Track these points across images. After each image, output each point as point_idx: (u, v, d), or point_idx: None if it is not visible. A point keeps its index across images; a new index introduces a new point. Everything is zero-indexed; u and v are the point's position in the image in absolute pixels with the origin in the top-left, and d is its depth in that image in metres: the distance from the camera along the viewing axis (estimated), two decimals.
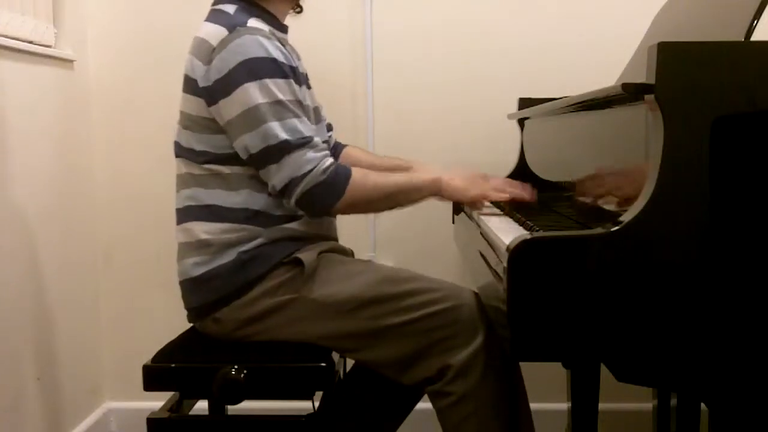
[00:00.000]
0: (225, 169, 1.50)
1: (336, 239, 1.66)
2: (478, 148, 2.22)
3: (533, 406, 1.58)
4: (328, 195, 1.45)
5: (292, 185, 1.44)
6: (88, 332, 2.24)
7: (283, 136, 1.43)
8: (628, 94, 1.02)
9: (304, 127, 1.46)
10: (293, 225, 1.52)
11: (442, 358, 1.41)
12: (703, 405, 1.58)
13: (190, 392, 1.53)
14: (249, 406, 1.48)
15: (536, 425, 1.57)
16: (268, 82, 1.44)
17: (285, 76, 1.46)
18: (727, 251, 0.97)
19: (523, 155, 1.95)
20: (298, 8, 1.68)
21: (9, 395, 1.80)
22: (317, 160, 1.44)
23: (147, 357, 1.51)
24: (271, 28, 1.53)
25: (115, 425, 2.32)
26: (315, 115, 1.62)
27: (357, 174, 1.48)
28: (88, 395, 2.24)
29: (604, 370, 1.08)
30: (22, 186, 1.86)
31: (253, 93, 1.43)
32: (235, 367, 1.42)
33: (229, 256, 1.49)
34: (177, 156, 1.57)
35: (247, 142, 1.45)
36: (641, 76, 1.00)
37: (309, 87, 1.67)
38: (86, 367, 2.22)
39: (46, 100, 2.00)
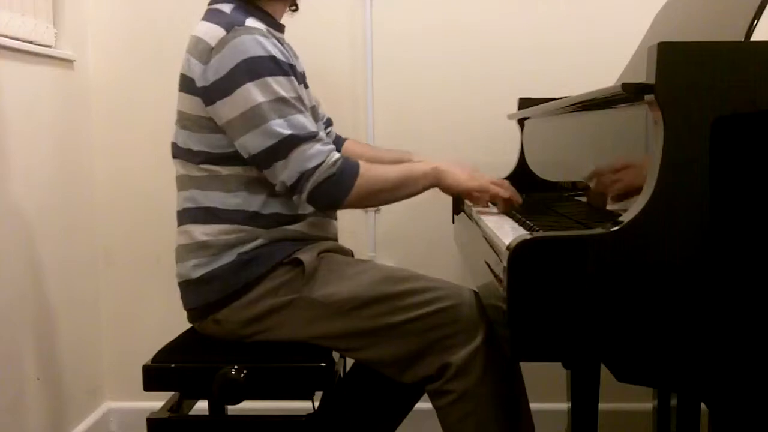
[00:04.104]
0: (222, 170, 1.50)
1: (336, 239, 1.66)
2: (478, 148, 2.22)
3: (533, 406, 1.58)
4: (338, 188, 1.45)
5: (302, 179, 1.44)
6: (88, 332, 2.24)
7: (288, 131, 1.43)
8: (628, 94, 1.02)
9: (309, 122, 1.46)
10: (293, 226, 1.52)
11: (441, 356, 1.42)
12: (703, 405, 1.58)
13: (190, 392, 1.53)
14: (249, 406, 1.48)
15: (536, 425, 1.57)
16: (269, 80, 1.44)
17: (285, 74, 1.46)
18: (727, 251, 0.97)
19: (523, 155, 1.94)
20: (294, 7, 1.67)
21: (9, 395, 1.80)
22: (325, 154, 1.44)
23: (147, 357, 1.51)
24: (268, 27, 1.52)
25: (115, 425, 2.32)
26: (312, 113, 1.62)
27: (363, 167, 1.49)
28: (88, 395, 2.24)
29: (604, 370, 1.08)
30: (22, 186, 1.86)
31: (254, 92, 1.43)
32: (235, 367, 1.42)
33: (228, 257, 1.49)
34: (174, 157, 1.57)
35: (248, 142, 1.44)
36: (641, 76, 1.00)
37: (306, 86, 1.67)
38: (86, 367, 2.22)
39: (46, 100, 2.00)
